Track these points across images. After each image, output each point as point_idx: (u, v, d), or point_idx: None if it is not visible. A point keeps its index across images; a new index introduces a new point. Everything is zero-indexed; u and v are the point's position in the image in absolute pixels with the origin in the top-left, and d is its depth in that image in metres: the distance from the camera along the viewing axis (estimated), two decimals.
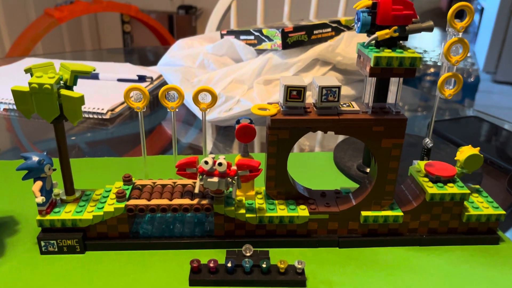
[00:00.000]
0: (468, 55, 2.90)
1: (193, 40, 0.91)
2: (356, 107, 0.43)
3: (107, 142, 0.74)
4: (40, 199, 0.42)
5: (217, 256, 0.44)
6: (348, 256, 0.45)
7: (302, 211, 0.45)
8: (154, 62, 1.11)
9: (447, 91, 0.45)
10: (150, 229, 0.46)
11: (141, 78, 0.93)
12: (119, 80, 0.92)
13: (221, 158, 0.42)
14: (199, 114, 0.76)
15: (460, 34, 0.43)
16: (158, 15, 2.88)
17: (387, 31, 0.39)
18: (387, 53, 0.39)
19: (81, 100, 0.40)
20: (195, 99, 0.45)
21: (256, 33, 0.79)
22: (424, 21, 0.39)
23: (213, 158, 0.42)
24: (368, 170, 0.59)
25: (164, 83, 0.95)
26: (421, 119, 0.91)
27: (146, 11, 2.68)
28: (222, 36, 0.86)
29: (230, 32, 0.84)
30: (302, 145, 0.74)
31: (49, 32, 2.02)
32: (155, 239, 0.46)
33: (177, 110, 0.47)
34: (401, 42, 0.41)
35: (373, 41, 0.40)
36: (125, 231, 0.45)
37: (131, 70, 0.99)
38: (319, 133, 0.77)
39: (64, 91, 0.40)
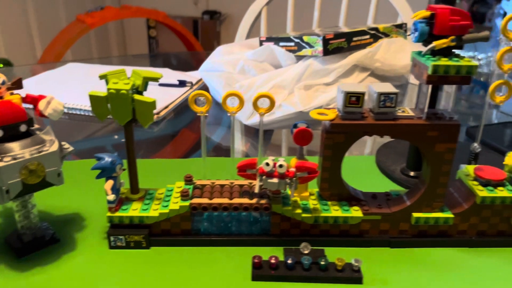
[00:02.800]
0: (491, 59, 2.88)
1: (233, 46, 0.94)
2: (411, 113, 0.45)
3: (152, 143, 0.78)
4: (111, 197, 0.45)
5: (274, 253, 0.46)
6: (399, 256, 0.47)
7: (356, 212, 0.47)
8: (181, 67, 1.14)
9: (498, 97, 0.47)
10: (209, 227, 0.49)
11: (182, 83, 0.96)
12: (161, 85, 0.96)
13: (281, 160, 0.44)
14: (240, 117, 0.79)
15: None
16: (183, 20, 2.94)
17: (444, 40, 0.41)
18: (444, 61, 0.41)
19: (153, 104, 0.43)
20: (255, 104, 0.48)
21: (297, 40, 0.81)
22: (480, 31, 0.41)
23: (273, 160, 0.45)
24: (412, 173, 0.61)
25: (203, 87, 0.98)
26: None
27: (171, 16, 2.73)
28: (261, 42, 0.89)
29: (269, 39, 0.87)
30: None
31: (81, 37, 2.08)
32: (215, 236, 0.48)
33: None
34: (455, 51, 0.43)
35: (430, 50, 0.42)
36: (187, 228, 0.48)
37: (171, 75, 1.03)
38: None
39: (137, 96, 0.43)
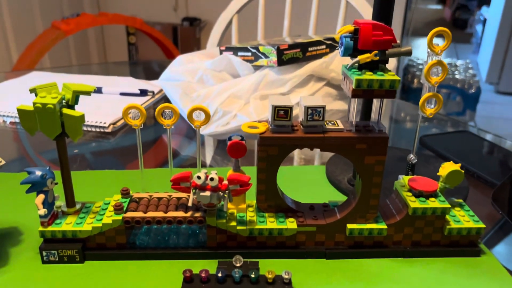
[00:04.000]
0: (470, 66, 2.93)
1: (193, 55, 0.94)
2: (341, 126, 0.45)
3: (108, 155, 0.77)
4: (42, 211, 0.45)
5: (210, 266, 0.46)
6: (334, 267, 0.47)
7: (291, 224, 0.48)
8: (158, 75, 1.15)
9: (428, 110, 0.48)
10: (146, 240, 0.49)
11: (143, 92, 0.96)
12: (122, 94, 0.95)
13: (213, 173, 0.44)
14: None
15: (440, 56, 0.46)
16: (163, 27, 2.93)
17: (368, 55, 0.41)
18: (368, 75, 0.42)
19: (81, 118, 0.43)
20: (190, 117, 0.48)
21: (253, 50, 0.81)
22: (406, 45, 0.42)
23: (206, 173, 0.45)
24: None
25: (165, 97, 0.98)
26: (420, 133, 0.93)
27: (151, 23, 2.72)
28: (221, 52, 0.89)
29: (229, 49, 0.87)
30: (298, 158, 0.76)
31: (56, 44, 2.07)
32: (150, 249, 0.48)
33: (173, 127, 0.49)
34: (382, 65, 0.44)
35: (356, 64, 0.43)
36: (123, 242, 0.48)
37: (134, 84, 1.03)
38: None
39: (66, 110, 0.43)
